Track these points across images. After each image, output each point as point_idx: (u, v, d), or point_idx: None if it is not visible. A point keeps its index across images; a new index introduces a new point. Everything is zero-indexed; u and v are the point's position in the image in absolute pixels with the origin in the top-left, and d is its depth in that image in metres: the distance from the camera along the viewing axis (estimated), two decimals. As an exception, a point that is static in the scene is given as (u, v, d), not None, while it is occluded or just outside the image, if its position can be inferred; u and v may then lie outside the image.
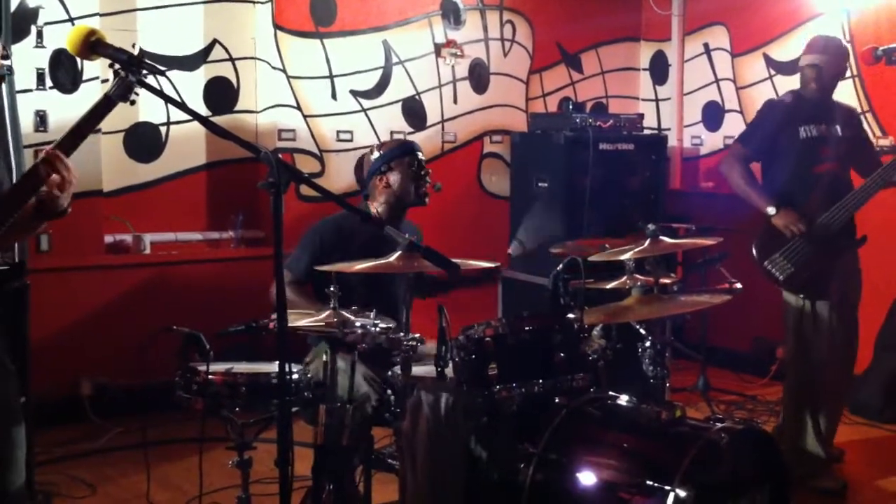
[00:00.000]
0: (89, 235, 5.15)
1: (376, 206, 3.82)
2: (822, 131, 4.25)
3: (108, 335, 5.11)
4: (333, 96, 5.88)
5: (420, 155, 3.88)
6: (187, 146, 5.58)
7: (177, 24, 5.49)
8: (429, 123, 6.24)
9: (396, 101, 6.11)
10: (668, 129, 7.00)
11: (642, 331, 3.72)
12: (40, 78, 4.91)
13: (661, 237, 3.52)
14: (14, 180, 2.90)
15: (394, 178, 3.80)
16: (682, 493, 2.66)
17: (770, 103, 4.51)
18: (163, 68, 2.57)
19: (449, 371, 3.08)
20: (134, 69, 2.51)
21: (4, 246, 2.80)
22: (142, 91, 2.52)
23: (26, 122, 4.72)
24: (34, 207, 2.47)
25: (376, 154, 3.86)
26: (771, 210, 4.18)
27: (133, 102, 2.55)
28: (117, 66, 2.45)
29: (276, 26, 5.66)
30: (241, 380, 3.06)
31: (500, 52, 6.52)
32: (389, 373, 3.27)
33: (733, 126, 6.64)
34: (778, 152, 4.28)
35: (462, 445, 2.95)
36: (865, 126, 4.97)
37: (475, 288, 4.28)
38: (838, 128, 4.28)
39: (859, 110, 5.10)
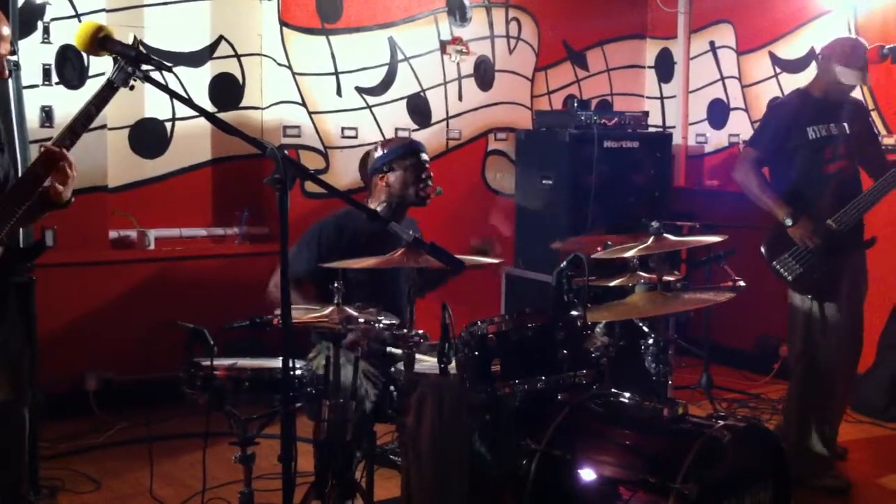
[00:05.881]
0: (94, 231, 5.16)
1: (376, 205, 3.80)
2: (831, 130, 4.20)
3: (112, 330, 5.12)
4: (339, 93, 5.89)
5: (423, 156, 3.86)
6: (193, 142, 5.58)
7: (183, 21, 5.49)
8: (434, 120, 6.24)
9: (401, 98, 6.11)
10: (673, 127, 6.99)
11: (645, 328, 3.72)
12: (46, 73, 4.92)
13: (665, 234, 3.52)
14: (20, 175, 2.93)
15: (394, 177, 3.79)
16: (684, 490, 2.67)
17: (776, 104, 4.48)
18: (169, 64, 2.59)
19: (452, 368, 3.08)
20: (140, 65, 2.55)
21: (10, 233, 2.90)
22: (148, 87, 2.56)
23: (32, 117, 4.71)
24: (38, 202, 2.57)
25: (380, 152, 3.86)
26: (788, 221, 4.14)
27: (132, 87, 2.60)
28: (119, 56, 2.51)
29: (282, 23, 5.67)
30: (244, 375, 3.08)
31: (505, 49, 6.51)
32: (392, 369, 3.28)
33: (738, 124, 6.64)
34: (787, 153, 4.24)
35: (465, 442, 2.96)
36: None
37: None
38: (846, 125, 4.23)
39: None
